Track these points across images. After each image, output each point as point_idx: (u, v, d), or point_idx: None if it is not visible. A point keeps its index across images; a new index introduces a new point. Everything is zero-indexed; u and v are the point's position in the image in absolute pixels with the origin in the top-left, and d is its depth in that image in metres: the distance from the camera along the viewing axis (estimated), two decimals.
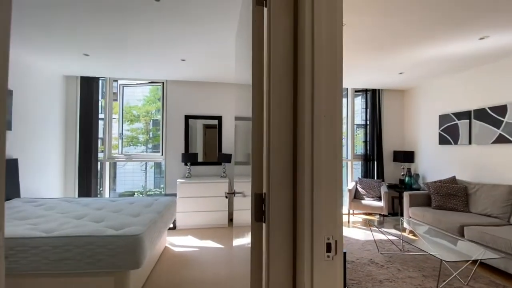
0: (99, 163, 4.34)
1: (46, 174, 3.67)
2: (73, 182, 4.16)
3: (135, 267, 1.88)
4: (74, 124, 4.17)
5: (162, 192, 4.40)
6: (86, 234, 1.85)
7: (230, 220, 4.19)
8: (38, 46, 2.88)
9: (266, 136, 0.83)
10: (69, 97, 4.15)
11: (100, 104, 4.44)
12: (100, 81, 4.38)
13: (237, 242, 1.69)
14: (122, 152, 4.81)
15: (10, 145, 2.98)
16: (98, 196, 4.49)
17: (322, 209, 0.69)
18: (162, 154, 4.43)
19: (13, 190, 2.90)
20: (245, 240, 1.29)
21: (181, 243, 3.32)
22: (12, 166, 2.92)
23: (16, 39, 2.68)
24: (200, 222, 3.87)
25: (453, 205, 3.35)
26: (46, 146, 3.65)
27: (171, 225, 3.79)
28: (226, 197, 1.56)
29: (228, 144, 4.47)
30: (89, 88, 4.21)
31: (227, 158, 4.16)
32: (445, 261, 2.12)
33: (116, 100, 5.16)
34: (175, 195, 3.97)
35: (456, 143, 3.78)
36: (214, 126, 4.46)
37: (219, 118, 4.46)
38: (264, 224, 0.85)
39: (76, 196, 4.14)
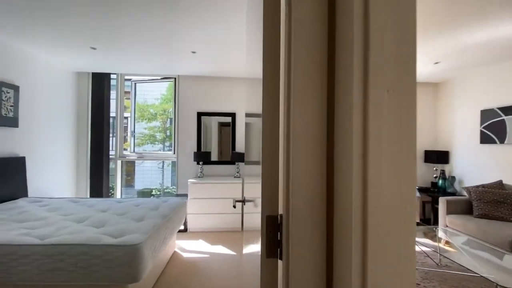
0: (117, 161, 4.24)
1: (57, 173, 3.59)
2: (85, 181, 4.08)
3: (134, 281, 1.66)
4: (86, 121, 4.09)
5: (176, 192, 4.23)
6: (80, 243, 1.66)
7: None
8: (43, 39, 2.76)
9: (284, 134, 0.54)
10: (80, 94, 4.08)
11: (111, 101, 4.33)
12: (113, 79, 4.27)
13: (248, 249, 1.44)
14: (134, 150, 4.70)
15: (17, 142, 2.89)
16: (110, 195, 4.40)
17: (383, 255, 0.40)
18: (174, 153, 4.26)
19: (20, 189, 2.82)
20: (258, 247, 1.07)
21: (191, 247, 3.11)
22: (19, 164, 2.83)
23: (19, 31, 2.57)
24: (212, 225, 3.64)
25: (501, 214, 2.88)
26: (56, 144, 3.58)
27: (182, 227, 3.60)
28: (234, 206, 1.29)
29: (242, 142, 4.21)
30: (100, 84, 4.11)
31: (241, 157, 3.90)
32: (502, 286, 1.73)
33: (129, 99, 5.07)
34: (186, 195, 3.78)
35: (502, 142, 3.28)
36: (228, 124, 4.22)
37: (232, 115, 4.21)
38: (280, 262, 0.57)
39: (88, 195, 4.06)
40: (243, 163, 4.04)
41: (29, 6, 2.12)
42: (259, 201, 1.18)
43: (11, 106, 2.76)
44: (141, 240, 1.74)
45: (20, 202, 2.63)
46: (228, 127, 4.23)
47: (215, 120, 4.24)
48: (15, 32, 2.58)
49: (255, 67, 1.37)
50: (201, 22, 2.37)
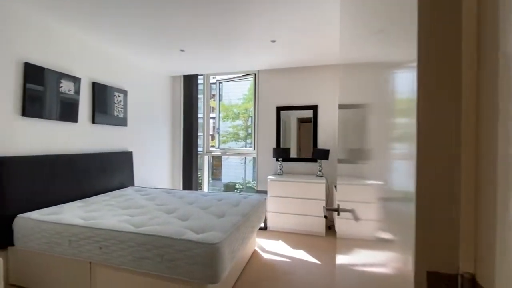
0: (204, 157, 4.57)
1: (157, 166, 4.09)
2: (179, 174, 4.53)
3: (212, 282, 1.58)
4: (179, 121, 4.53)
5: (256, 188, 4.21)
6: (165, 235, 1.69)
7: (329, 227, 3.52)
8: (141, 45, 3.10)
9: None
10: (174, 95, 4.54)
11: (199, 101, 4.66)
12: (201, 84, 4.59)
13: (342, 260, 1.14)
14: (219, 147, 4.94)
15: (126, 139, 3.39)
16: (199, 188, 4.76)
17: None
18: (254, 149, 4.23)
19: (128, 179, 3.29)
20: (356, 259, 0.83)
21: (271, 248, 2.95)
22: (128, 158, 3.30)
23: (123, 40, 2.95)
24: (292, 226, 3.40)
25: None
26: (156, 141, 4.07)
27: (262, 225, 3.51)
28: (326, 216, 0.99)
29: (325, 137, 3.79)
30: (189, 86, 4.47)
31: (324, 154, 3.50)
32: None
33: (215, 100, 5.38)
34: (266, 192, 3.67)
35: None
36: (308, 120, 3.88)
37: (314, 108, 3.84)
38: None
39: (181, 187, 4.49)
40: (327, 161, 3.62)
41: (125, 13, 2.37)
42: (361, 216, 0.84)
43: (121, 108, 3.24)
44: (220, 239, 1.65)
45: (128, 190, 3.05)
46: (308, 122, 3.89)
47: (294, 115, 3.97)
48: (120, 42, 2.99)
49: (351, 50, 1.05)
50: (281, 5, 2.15)
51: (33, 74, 2.24)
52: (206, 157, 4.69)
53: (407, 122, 0.38)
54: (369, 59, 0.77)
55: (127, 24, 2.53)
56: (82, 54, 2.77)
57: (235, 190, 8.90)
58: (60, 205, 2.30)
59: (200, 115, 4.65)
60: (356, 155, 0.95)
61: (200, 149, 4.64)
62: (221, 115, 5.43)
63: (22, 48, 2.19)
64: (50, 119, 2.41)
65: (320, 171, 3.60)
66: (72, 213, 2.09)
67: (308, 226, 3.33)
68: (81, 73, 2.74)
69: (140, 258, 1.68)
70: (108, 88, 3.05)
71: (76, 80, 2.65)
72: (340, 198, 1.20)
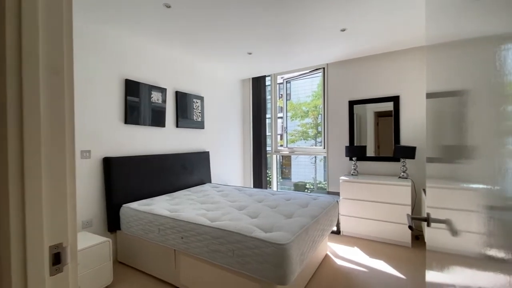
0: (272, 156, 4.65)
1: (230, 165, 4.36)
2: (249, 173, 4.71)
3: (281, 283, 1.55)
4: (248, 121, 4.71)
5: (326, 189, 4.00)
6: (235, 231, 1.76)
7: (416, 237, 3.03)
8: (214, 55, 3.35)
9: None
10: (244, 98, 4.74)
11: (267, 101, 4.74)
12: (268, 85, 4.67)
13: (434, 277, 0.94)
14: (287, 146, 4.91)
15: (204, 141, 3.74)
16: (269, 186, 4.84)
17: None
18: (324, 147, 4.02)
19: (206, 176, 3.61)
20: (455, 279, 0.66)
21: (344, 254, 2.73)
22: (206, 157, 3.63)
23: (199, 52, 3.24)
24: (370, 232, 3.07)
25: None
26: (229, 141, 4.34)
27: (335, 228, 3.29)
28: (411, 227, 0.82)
29: (409, 133, 3.28)
30: (258, 88, 4.59)
31: (409, 152, 3.02)
32: None
33: (282, 99, 5.39)
34: (338, 193, 3.43)
35: None
36: (388, 114, 3.43)
37: (395, 99, 3.36)
38: None
39: (252, 185, 4.66)
40: (413, 160, 3.12)
41: (197, 29, 2.58)
42: (462, 224, 0.67)
43: (199, 112, 3.59)
44: (288, 240, 1.61)
45: (206, 186, 3.35)
46: (388, 116, 3.43)
47: (370, 109, 3.57)
48: (196, 53, 3.30)
49: (451, 23, 0.84)
50: None
51: (131, 88, 2.71)
52: (274, 156, 4.73)
53: None
54: (470, 34, 0.59)
55: (200, 37, 2.77)
56: (166, 67, 3.18)
57: (305, 190, 8.69)
58: (152, 198, 2.70)
59: (268, 116, 4.73)
60: (452, 153, 0.76)
61: (268, 148, 4.72)
62: (289, 114, 5.40)
63: (123, 68, 2.68)
64: (144, 125, 2.86)
65: (404, 171, 3.13)
66: (160, 205, 2.42)
67: (390, 234, 2.94)
68: (166, 84, 3.15)
69: (214, 251, 1.81)
70: (188, 96, 3.42)
71: (162, 91, 3.06)
72: (431, 204, 0.99)
